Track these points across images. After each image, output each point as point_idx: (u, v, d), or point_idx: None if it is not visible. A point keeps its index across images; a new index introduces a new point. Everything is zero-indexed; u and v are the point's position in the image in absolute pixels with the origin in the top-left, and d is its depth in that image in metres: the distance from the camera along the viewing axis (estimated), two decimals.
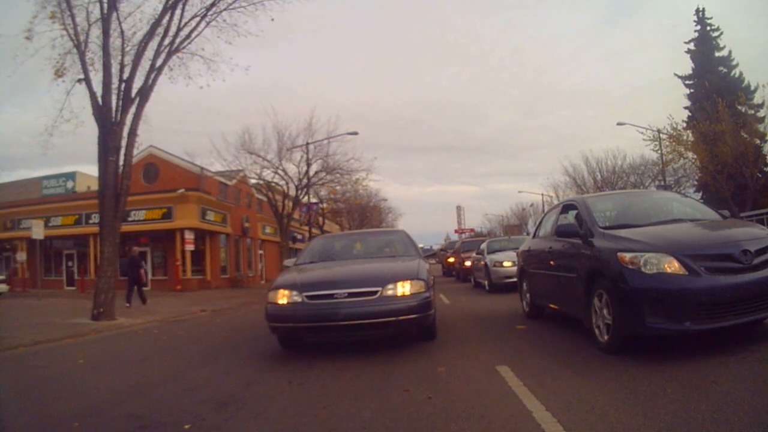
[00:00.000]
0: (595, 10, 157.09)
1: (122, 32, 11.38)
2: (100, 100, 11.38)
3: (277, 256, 37.73)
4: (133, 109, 11.48)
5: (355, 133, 25.57)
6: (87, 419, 3.59)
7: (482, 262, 14.25)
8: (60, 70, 11.99)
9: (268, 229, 34.47)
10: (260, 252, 34.15)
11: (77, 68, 11.77)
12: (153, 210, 24.98)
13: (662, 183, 33.11)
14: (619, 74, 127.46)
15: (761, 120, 35.04)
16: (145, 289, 15.91)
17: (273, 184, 25.79)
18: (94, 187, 33.69)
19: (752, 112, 37.58)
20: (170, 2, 11.45)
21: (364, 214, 45.36)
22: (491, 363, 4.46)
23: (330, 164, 25.68)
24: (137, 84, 11.71)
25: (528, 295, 7.30)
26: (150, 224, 24.92)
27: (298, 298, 5.29)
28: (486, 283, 13.61)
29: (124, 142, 11.63)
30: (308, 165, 25.25)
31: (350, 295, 5.15)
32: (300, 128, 25.76)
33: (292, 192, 26.28)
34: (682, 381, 3.43)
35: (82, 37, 11.57)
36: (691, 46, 41.62)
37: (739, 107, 33.99)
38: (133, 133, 11.40)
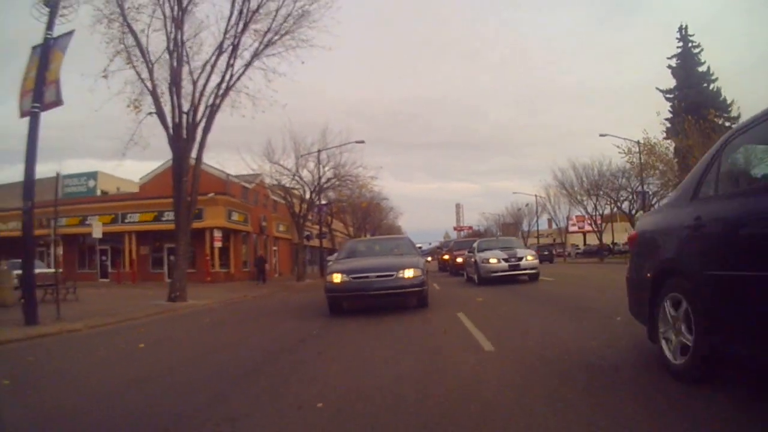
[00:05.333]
0: (595, 10, 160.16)
1: (194, 81, 14.74)
2: (171, 130, 14.69)
3: (288, 252, 41.25)
4: (198, 138, 14.82)
5: (362, 142, 29.29)
6: (224, 351, 6.90)
7: (473, 260, 16.32)
8: (135, 104, 15.20)
9: (281, 227, 37.90)
10: (274, 248, 37.57)
11: (148, 101, 15.02)
12: None
13: (641, 189, 36.26)
14: (618, 72, 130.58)
15: None
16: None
17: (291, 189, 29.20)
18: (115, 185, 37.38)
19: (728, 124, 40.91)
20: (231, 62, 14.90)
21: (366, 212, 48.72)
22: (454, 312, 7.89)
23: (341, 172, 29.14)
24: (200, 115, 15.06)
25: (692, 329, 3.17)
26: None
27: (346, 278, 8.70)
28: (476, 277, 15.79)
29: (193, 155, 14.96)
30: (320, 173, 28.76)
31: (378, 276, 8.58)
32: (315, 138, 29.25)
33: (307, 195, 29.73)
34: None
35: (154, 78, 14.81)
36: (673, 62, 44.72)
37: (717, 120, 37.01)
38: (199, 160, 14.84)
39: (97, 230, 22.11)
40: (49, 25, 10.00)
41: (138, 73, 14.48)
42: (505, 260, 14.66)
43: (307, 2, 15.55)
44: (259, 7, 15.01)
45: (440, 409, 3.15)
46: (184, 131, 14.68)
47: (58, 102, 9.48)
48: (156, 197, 30.14)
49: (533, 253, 16.22)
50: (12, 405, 3.96)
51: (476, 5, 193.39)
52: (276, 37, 15.67)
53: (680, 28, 45.28)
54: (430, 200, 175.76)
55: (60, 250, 31.05)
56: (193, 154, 15.16)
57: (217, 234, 26.87)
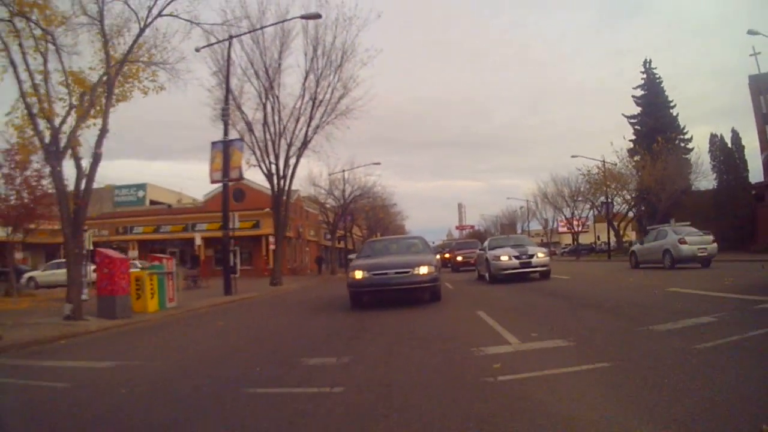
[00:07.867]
0: (599, 10, 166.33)
1: (286, 143, 23.27)
2: (269, 176, 23.19)
3: (316, 252, 49.94)
4: (286, 184, 23.37)
5: (378, 163, 38.44)
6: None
7: (484, 257, 15.97)
8: (247, 161, 23.61)
9: (311, 233, 46.48)
10: (306, 249, 46.15)
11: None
12: (244, 221, 36.85)
13: (605, 201, 44.41)
14: (621, 72, 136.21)
15: (689, 150, 46.65)
16: (236, 276, 27.92)
17: (325, 204, 38.11)
18: (164, 197, 46.70)
19: (683, 144, 49.03)
20: (307, 129, 23.45)
21: (379, 218, 57.38)
22: (444, 282, 16.29)
23: (365, 193, 38.08)
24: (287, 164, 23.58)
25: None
26: (242, 231, 36.80)
27: (367, 274, 9.96)
28: (487, 275, 15.51)
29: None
30: (346, 192, 37.65)
31: (396, 273, 9.88)
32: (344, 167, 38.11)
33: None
34: None
35: (257, 142, 23.28)
36: (637, 92, 52.65)
37: (673, 142, 44.79)
38: (288, 197, 23.36)
39: (198, 239, 30.75)
40: (225, 132, 18.40)
41: (248, 144, 22.95)
42: (516, 258, 14.65)
43: (351, 85, 24.17)
44: (323, 98, 23.67)
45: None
46: (280, 175, 23.26)
47: (240, 178, 17.98)
48: (220, 211, 38.84)
49: (544, 250, 16.24)
50: (309, 299, 12.40)
51: (484, 6, 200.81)
52: (333, 112, 24.27)
53: (645, 62, 53.16)
54: (433, 198, 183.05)
55: (136, 253, 39.83)
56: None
57: (272, 239, 35.41)
